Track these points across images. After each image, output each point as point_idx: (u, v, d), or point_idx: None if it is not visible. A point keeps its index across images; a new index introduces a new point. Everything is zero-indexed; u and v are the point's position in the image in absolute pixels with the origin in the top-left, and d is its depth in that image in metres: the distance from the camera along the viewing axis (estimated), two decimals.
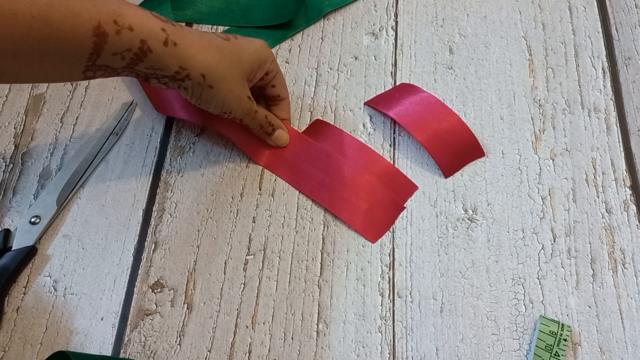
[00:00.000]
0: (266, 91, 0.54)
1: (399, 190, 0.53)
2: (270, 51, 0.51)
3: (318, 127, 0.56)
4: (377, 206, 0.52)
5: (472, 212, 0.52)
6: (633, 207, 0.52)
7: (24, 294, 0.49)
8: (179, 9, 0.63)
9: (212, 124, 0.53)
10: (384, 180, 0.53)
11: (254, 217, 0.52)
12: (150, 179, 0.54)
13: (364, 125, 0.57)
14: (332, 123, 0.57)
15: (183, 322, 0.48)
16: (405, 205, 0.52)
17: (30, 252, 0.50)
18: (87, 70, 0.41)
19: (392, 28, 0.62)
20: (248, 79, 0.49)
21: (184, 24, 0.62)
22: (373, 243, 0.51)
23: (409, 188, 0.54)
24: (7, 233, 0.51)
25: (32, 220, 0.51)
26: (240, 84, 0.48)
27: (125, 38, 0.40)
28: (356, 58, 0.61)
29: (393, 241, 0.51)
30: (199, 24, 0.63)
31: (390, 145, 0.56)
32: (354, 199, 0.52)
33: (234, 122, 0.51)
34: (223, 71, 0.45)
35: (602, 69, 0.59)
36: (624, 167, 0.54)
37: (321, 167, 0.53)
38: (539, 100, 0.58)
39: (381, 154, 0.55)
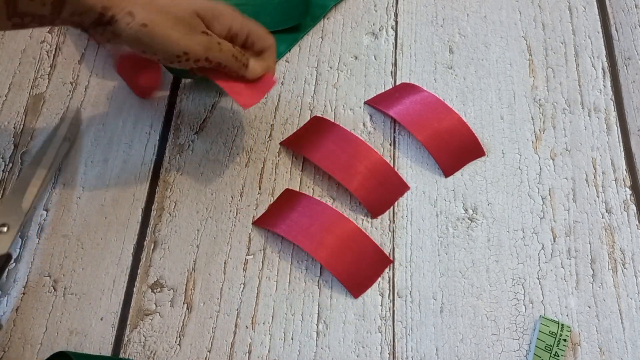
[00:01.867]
0: (247, 50, 0.48)
1: (392, 189, 0.53)
2: (232, 10, 0.46)
3: (316, 124, 0.56)
4: (364, 259, 0.50)
5: (473, 211, 0.52)
6: (633, 207, 0.52)
7: (24, 294, 0.49)
8: None
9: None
10: (376, 177, 0.53)
11: (253, 216, 0.52)
12: (149, 178, 0.54)
13: (364, 124, 0.57)
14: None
15: (183, 322, 0.48)
16: (392, 260, 0.50)
17: (6, 260, 0.48)
18: (12, 16, 0.39)
19: (392, 28, 0.62)
20: (203, 20, 0.44)
21: None
22: (356, 298, 0.49)
23: (401, 188, 0.54)
24: None
25: None
26: (189, 20, 0.42)
27: None
28: (356, 57, 0.61)
29: (393, 241, 0.51)
30: None
31: (390, 145, 0.56)
32: (342, 249, 0.49)
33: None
34: (158, 7, 0.41)
35: (602, 69, 0.59)
36: (624, 167, 0.54)
37: (306, 213, 0.51)
38: (539, 100, 0.58)
39: (380, 153, 0.55)
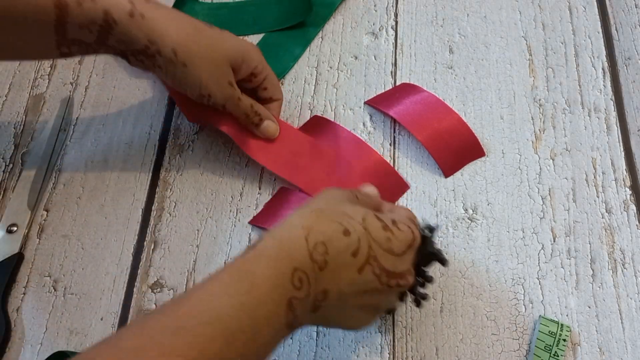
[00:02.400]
0: (258, 93, 0.52)
1: (392, 188, 0.53)
2: (260, 53, 0.49)
3: (316, 123, 0.56)
4: None
5: (472, 211, 0.52)
6: (633, 207, 0.52)
7: (24, 294, 0.49)
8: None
9: (216, 121, 0.52)
10: (377, 177, 0.53)
11: (253, 216, 0.52)
12: (149, 178, 0.54)
13: (364, 124, 0.57)
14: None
15: None
16: None
17: (18, 260, 0.50)
18: (61, 45, 0.41)
19: (392, 28, 0.62)
20: (233, 68, 0.47)
21: None
22: None
23: (401, 187, 0.54)
24: None
25: (9, 229, 0.51)
26: (221, 68, 0.46)
27: (87, 9, 0.40)
28: (356, 57, 0.61)
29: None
30: None
31: (390, 144, 0.56)
32: None
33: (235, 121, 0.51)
34: (199, 49, 0.44)
35: (602, 69, 0.59)
36: (624, 167, 0.54)
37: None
38: (539, 100, 0.58)
39: (380, 153, 0.55)
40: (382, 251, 0.36)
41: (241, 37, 0.48)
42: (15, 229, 0.51)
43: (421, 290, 0.43)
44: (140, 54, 0.43)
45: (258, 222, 0.52)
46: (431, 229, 0.42)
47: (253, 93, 0.52)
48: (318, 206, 0.37)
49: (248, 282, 0.31)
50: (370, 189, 0.44)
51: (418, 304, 0.44)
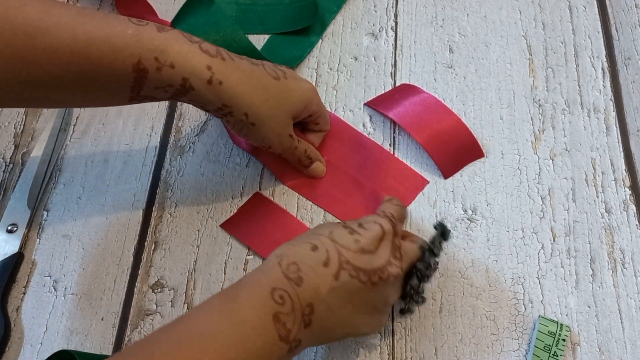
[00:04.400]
0: (309, 126, 0.53)
1: (410, 185, 0.53)
2: (317, 94, 0.50)
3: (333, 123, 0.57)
4: None
5: (472, 212, 0.52)
6: (632, 207, 0.52)
7: (24, 294, 0.50)
8: (209, 19, 0.62)
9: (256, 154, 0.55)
10: (395, 177, 0.53)
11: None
12: (150, 179, 0.55)
13: (363, 125, 0.57)
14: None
15: None
16: None
17: (18, 259, 0.50)
18: (132, 99, 0.42)
19: (391, 28, 0.62)
20: (293, 118, 0.48)
21: None
22: None
23: (420, 183, 0.54)
24: None
25: (9, 228, 0.51)
26: (283, 122, 0.47)
27: (166, 75, 0.40)
28: (356, 58, 0.61)
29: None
30: None
31: (390, 145, 0.56)
32: None
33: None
34: (267, 110, 0.45)
35: (602, 69, 0.59)
36: (624, 167, 0.54)
37: (272, 221, 0.52)
38: (539, 100, 0.58)
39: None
40: (353, 253, 0.38)
41: (301, 78, 0.49)
42: (15, 229, 0.51)
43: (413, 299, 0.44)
44: (212, 110, 0.44)
45: (228, 227, 0.52)
46: (442, 233, 0.45)
47: (304, 124, 0.53)
48: (294, 239, 0.40)
49: (234, 303, 0.35)
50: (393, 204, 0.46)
51: (402, 312, 0.45)
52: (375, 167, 0.54)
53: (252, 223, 0.51)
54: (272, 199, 0.53)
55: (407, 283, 0.43)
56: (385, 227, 0.41)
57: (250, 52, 0.57)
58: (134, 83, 0.40)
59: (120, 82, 0.40)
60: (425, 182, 0.54)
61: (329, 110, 0.57)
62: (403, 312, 0.45)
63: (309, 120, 0.52)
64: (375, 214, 0.43)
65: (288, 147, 0.49)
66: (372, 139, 0.56)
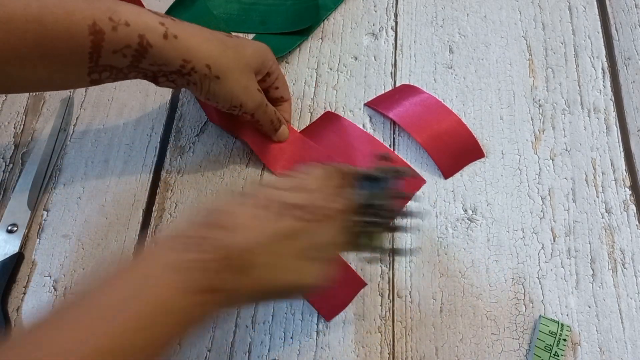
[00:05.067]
0: (269, 93, 0.53)
1: (407, 183, 0.53)
2: (271, 52, 0.50)
3: (328, 119, 0.57)
4: (337, 281, 0.47)
5: (472, 212, 0.52)
6: (633, 207, 0.52)
7: (24, 294, 0.49)
8: (195, 16, 0.62)
9: (237, 131, 0.54)
10: None
11: None
12: (150, 179, 0.54)
13: (363, 126, 0.57)
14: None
15: None
16: (366, 283, 0.49)
17: (18, 259, 0.50)
18: (92, 72, 0.41)
19: (392, 28, 0.62)
20: (255, 73, 0.48)
21: None
22: (328, 321, 0.48)
23: (417, 182, 0.54)
24: None
25: (9, 228, 0.51)
26: (247, 75, 0.47)
27: (122, 34, 0.40)
28: (356, 58, 0.61)
29: (393, 242, 0.51)
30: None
31: (390, 146, 0.56)
32: None
33: (254, 130, 0.52)
34: (228, 61, 0.45)
35: (602, 69, 0.59)
36: (624, 167, 0.54)
37: None
38: (539, 100, 0.58)
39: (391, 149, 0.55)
40: (288, 192, 0.37)
41: (250, 39, 0.49)
42: (15, 229, 0.51)
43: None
44: (174, 74, 0.44)
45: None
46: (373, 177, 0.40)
47: (265, 93, 0.52)
48: None
49: (124, 264, 0.33)
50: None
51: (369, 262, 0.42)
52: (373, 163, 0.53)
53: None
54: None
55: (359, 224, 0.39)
56: (328, 168, 0.39)
57: None
58: (92, 48, 0.40)
59: (78, 47, 0.39)
60: (422, 182, 0.54)
61: (330, 109, 0.57)
62: (370, 261, 0.43)
63: (268, 82, 0.52)
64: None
65: (259, 102, 0.49)
66: (372, 135, 0.56)
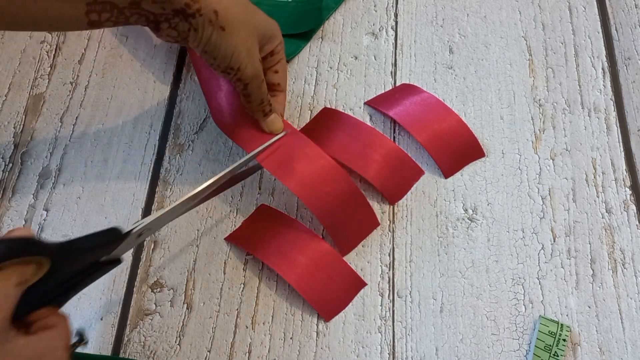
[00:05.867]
0: (267, 76, 0.50)
1: (406, 174, 0.53)
2: (280, 32, 0.48)
3: (327, 115, 0.56)
4: (336, 281, 0.48)
5: (472, 211, 0.52)
6: (633, 207, 0.52)
7: None
8: None
9: (235, 134, 0.52)
10: (389, 162, 0.53)
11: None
12: (149, 178, 0.54)
13: None
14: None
15: (183, 322, 0.48)
16: (366, 283, 0.49)
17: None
18: (90, 11, 0.38)
19: (392, 28, 0.62)
20: (259, 43, 0.45)
21: None
22: (327, 321, 0.48)
23: (416, 172, 0.54)
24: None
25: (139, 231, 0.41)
26: (253, 39, 0.44)
27: None
28: (356, 58, 0.61)
29: (393, 241, 0.51)
30: None
31: None
32: (312, 269, 0.48)
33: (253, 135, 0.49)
34: (238, 14, 0.42)
35: (602, 69, 0.59)
36: (624, 167, 0.54)
37: (279, 232, 0.50)
38: (539, 100, 0.58)
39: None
40: None
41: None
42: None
43: None
44: (178, 14, 0.40)
45: (234, 240, 0.51)
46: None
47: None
48: None
49: None
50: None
51: None
52: (370, 154, 0.53)
53: (259, 235, 0.50)
54: (276, 207, 0.52)
55: None
56: None
57: None
58: None
59: None
60: (421, 173, 0.54)
61: (330, 106, 0.57)
62: None
63: (270, 63, 0.49)
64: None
65: (258, 72, 0.45)
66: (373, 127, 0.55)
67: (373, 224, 0.51)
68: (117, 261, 0.39)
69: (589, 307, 0.48)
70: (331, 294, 0.48)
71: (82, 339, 0.38)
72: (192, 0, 0.40)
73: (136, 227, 0.39)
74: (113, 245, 0.38)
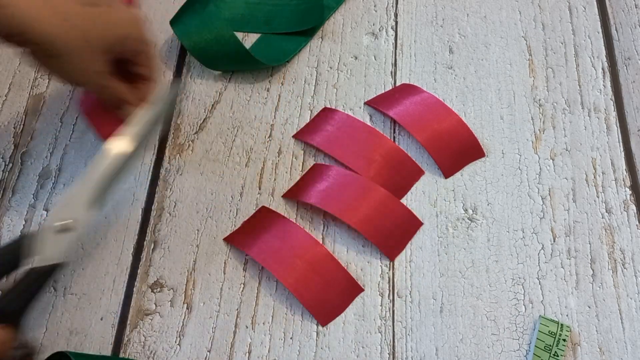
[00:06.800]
0: (131, 68, 0.48)
1: (405, 174, 0.53)
2: (141, 29, 0.47)
3: (326, 114, 0.56)
4: (333, 286, 0.48)
5: (472, 211, 0.52)
6: (633, 207, 0.52)
7: None
8: (205, 21, 0.61)
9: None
10: (389, 162, 0.53)
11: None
12: (149, 178, 0.54)
13: None
14: None
15: (183, 322, 0.48)
16: (363, 289, 0.49)
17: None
18: None
19: (392, 28, 0.62)
20: (105, 53, 0.44)
21: None
22: (323, 326, 0.48)
23: (415, 172, 0.54)
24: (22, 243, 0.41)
25: (59, 227, 0.42)
26: (90, 57, 0.43)
27: None
28: (356, 57, 0.61)
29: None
30: None
31: None
32: (310, 274, 0.48)
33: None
34: (68, 42, 0.41)
35: (602, 69, 0.59)
36: (624, 167, 0.54)
37: (279, 235, 0.50)
38: (539, 100, 0.58)
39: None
40: None
41: (126, 9, 0.46)
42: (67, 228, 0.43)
43: None
44: (9, 40, 0.40)
45: (232, 241, 0.51)
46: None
47: (125, 67, 0.48)
48: None
49: None
50: None
51: None
52: (370, 154, 0.53)
53: (258, 237, 0.50)
54: (276, 208, 0.52)
55: None
56: None
57: (242, 54, 0.57)
58: None
59: None
60: (421, 173, 0.54)
61: (330, 106, 0.57)
62: None
63: (130, 61, 0.48)
64: None
65: (97, 84, 0.45)
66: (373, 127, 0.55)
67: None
68: (57, 266, 0.41)
69: (589, 307, 0.48)
70: (328, 299, 0.48)
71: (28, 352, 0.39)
72: (9, 34, 0.39)
73: (50, 224, 0.41)
74: (22, 248, 0.40)
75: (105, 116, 0.50)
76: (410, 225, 0.51)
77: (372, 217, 0.50)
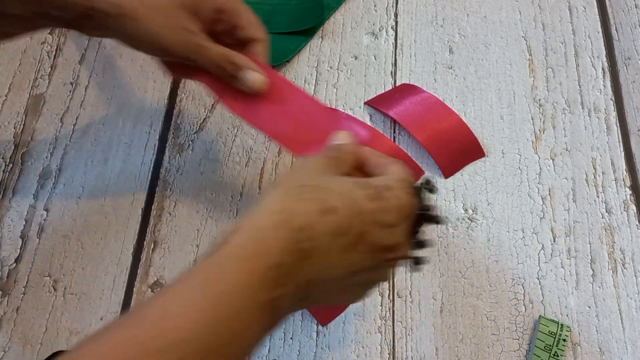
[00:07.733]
0: (235, 35, 0.44)
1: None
2: None
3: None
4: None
5: (472, 211, 0.52)
6: (633, 207, 0.52)
7: (24, 294, 0.49)
8: None
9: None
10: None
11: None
12: (149, 178, 0.54)
13: None
14: None
15: None
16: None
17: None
18: None
19: (392, 28, 0.62)
20: (191, 12, 0.41)
21: None
22: (323, 326, 0.48)
23: (416, 172, 0.53)
24: None
25: None
26: (175, 14, 0.40)
27: None
28: (356, 57, 0.61)
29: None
30: None
31: None
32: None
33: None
34: (143, 1, 0.39)
35: (602, 69, 0.59)
36: (624, 167, 0.54)
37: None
38: (539, 100, 0.58)
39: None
40: (372, 225, 0.31)
41: None
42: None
43: (418, 253, 0.37)
44: (84, 18, 0.38)
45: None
46: (429, 186, 0.37)
47: (229, 37, 0.44)
48: (294, 182, 0.32)
49: (217, 293, 0.26)
50: (344, 136, 0.39)
51: (415, 265, 0.38)
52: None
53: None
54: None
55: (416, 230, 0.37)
56: (411, 202, 0.34)
57: None
58: None
59: None
60: (421, 172, 0.54)
61: (330, 106, 0.57)
62: (418, 263, 0.37)
63: (225, 24, 0.43)
64: (398, 177, 0.35)
65: (187, 43, 0.40)
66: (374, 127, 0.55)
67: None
68: None
69: (589, 307, 0.48)
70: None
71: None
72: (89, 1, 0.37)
73: None
74: None
75: (240, 97, 0.44)
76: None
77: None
